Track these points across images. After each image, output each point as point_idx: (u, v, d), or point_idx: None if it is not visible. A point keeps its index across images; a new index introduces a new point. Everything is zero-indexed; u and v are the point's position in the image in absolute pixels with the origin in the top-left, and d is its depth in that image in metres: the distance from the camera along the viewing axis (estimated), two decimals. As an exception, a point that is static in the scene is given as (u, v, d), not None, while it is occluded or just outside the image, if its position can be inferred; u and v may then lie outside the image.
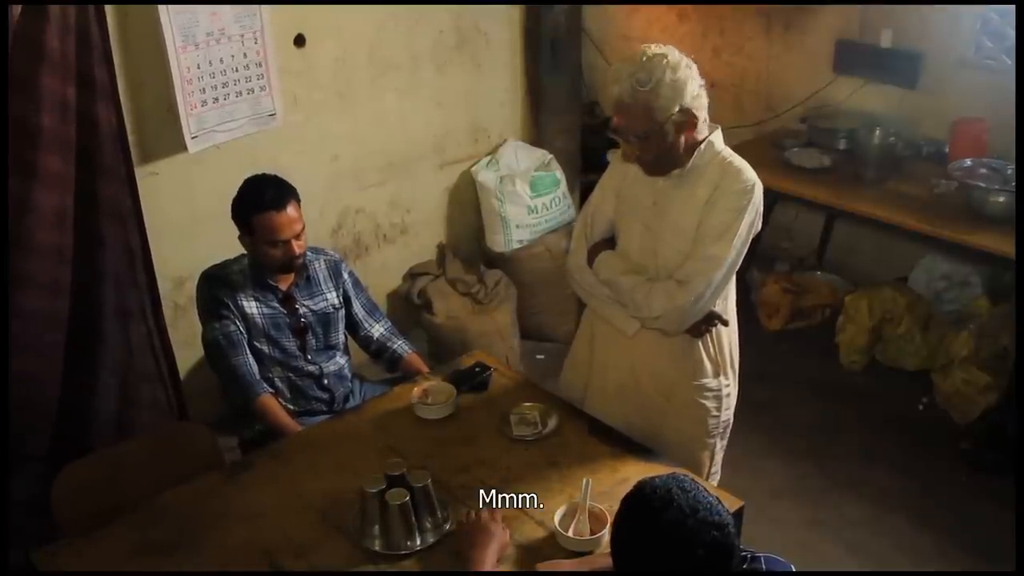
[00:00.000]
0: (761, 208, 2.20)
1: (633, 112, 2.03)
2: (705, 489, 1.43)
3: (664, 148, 2.08)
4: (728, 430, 2.50)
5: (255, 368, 2.54)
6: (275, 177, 2.58)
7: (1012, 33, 3.33)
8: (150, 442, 2.44)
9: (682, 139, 2.08)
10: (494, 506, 2.02)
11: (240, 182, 3.27)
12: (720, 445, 2.50)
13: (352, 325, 2.76)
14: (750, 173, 2.15)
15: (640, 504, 1.42)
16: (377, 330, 2.77)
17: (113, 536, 2.01)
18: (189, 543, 1.98)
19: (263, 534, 2.00)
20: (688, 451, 2.38)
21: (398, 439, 2.31)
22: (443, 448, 2.26)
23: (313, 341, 2.64)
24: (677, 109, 2.01)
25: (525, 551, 1.93)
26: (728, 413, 2.47)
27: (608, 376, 2.42)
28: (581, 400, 2.48)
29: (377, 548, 1.93)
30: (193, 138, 3.19)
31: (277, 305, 2.58)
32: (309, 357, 2.63)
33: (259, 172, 2.62)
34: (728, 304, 2.36)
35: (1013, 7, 3.26)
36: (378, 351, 2.78)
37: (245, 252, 2.60)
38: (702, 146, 2.12)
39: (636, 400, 2.38)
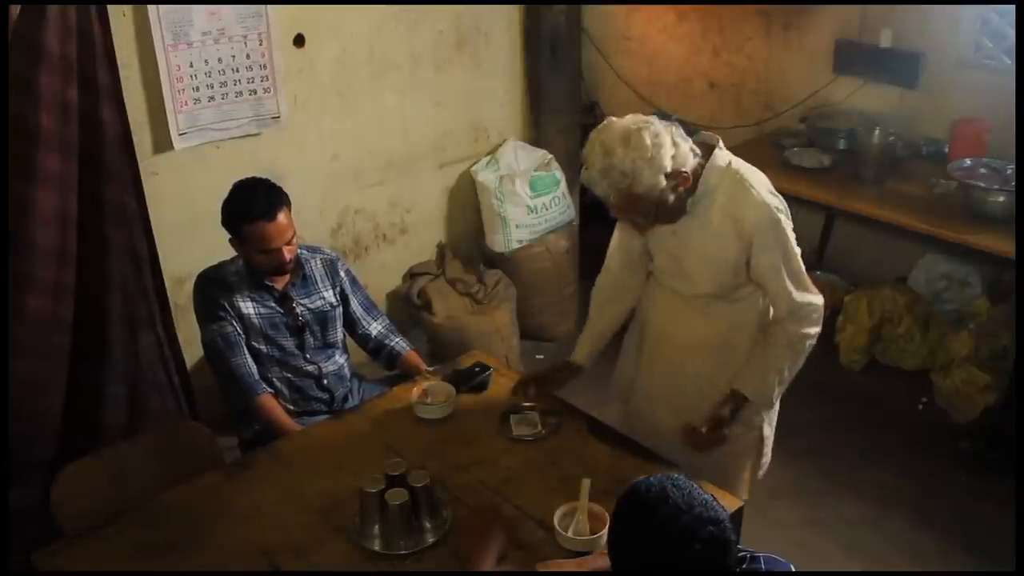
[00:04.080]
0: (785, 209, 2.21)
1: (627, 204, 2.06)
2: (700, 487, 1.44)
3: (670, 209, 2.12)
4: (775, 411, 2.50)
5: (254, 368, 2.54)
6: (265, 182, 2.55)
7: (1012, 33, 3.33)
8: (150, 442, 2.43)
9: (681, 190, 2.09)
10: (494, 506, 2.02)
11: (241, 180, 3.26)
12: (769, 425, 2.49)
13: (350, 323, 2.76)
14: (760, 190, 2.14)
15: (635, 503, 1.42)
16: (375, 328, 2.77)
17: (113, 536, 2.01)
18: (189, 543, 1.99)
19: (263, 534, 2.00)
20: (742, 433, 2.36)
21: (398, 439, 2.31)
22: (443, 448, 2.27)
23: (311, 340, 2.64)
24: (664, 180, 2.01)
25: (525, 551, 1.93)
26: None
27: (654, 368, 2.45)
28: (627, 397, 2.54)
29: (377, 548, 1.93)
30: (181, 135, 3.20)
31: (274, 305, 2.58)
32: (308, 356, 2.63)
33: (252, 175, 2.59)
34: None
35: (1013, 7, 3.26)
36: (376, 349, 2.78)
37: (239, 255, 2.59)
38: (704, 173, 2.12)
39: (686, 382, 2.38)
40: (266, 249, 2.47)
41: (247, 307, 2.55)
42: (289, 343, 2.60)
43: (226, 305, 2.53)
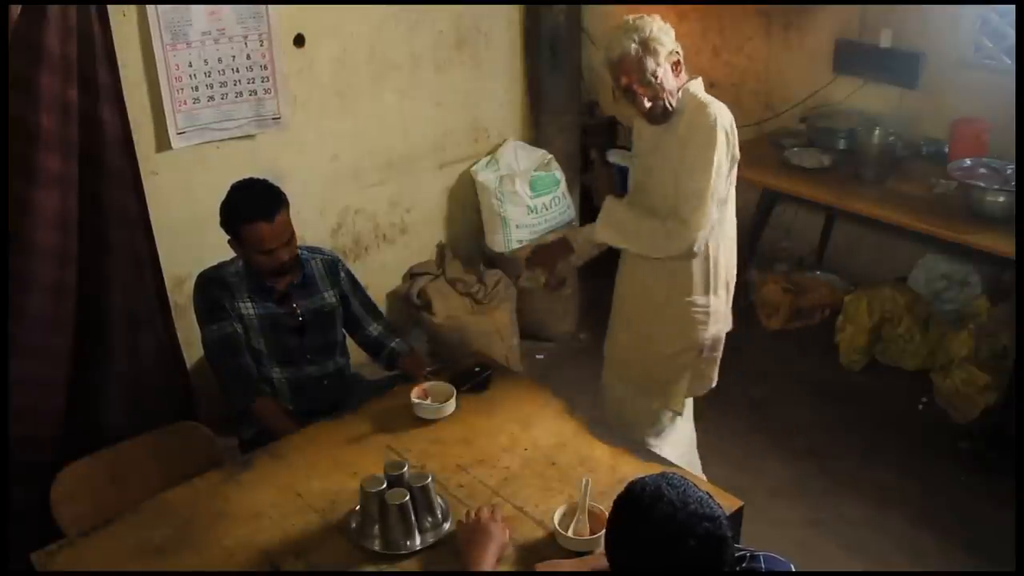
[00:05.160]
0: (732, 136, 2.41)
1: (637, 62, 2.33)
2: (695, 485, 1.44)
3: (666, 91, 2.38)
4: (718, 345, 2.68)
5: (254, 369, 2.54)
6: (263, 183, 2.55)
7: (1012, 33, 3.33)
8: (150, 442, 2.43)
9: (675, 81, 2.40)
10: (493, 506, 2.02)
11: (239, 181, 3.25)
12: (709, 357, 2.67)
13: (350, 324, 2.76)
14: (715, 107, 2.39)
15: (630, 501, 1.42)
16: (375, 329, 2.77)
17: (113, 536, 2.01)
18: (189, 543, 1.99)
19: (263, 534, 2.00)
20: (676, 363, 2.62)
21: (398, 439, 2.31)
22: (443, 448, 2.27)
23: (311, 340, 2.64)
24: (671, 49, 2.37)
25: (524, 551, 1.93)
26: (717, 328, 2.64)
27: (615, 305, 2.75)
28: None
29: (377, 548, 1.93)
30: (179, 134, 3.20)
31: (274, 305, 2.58)
32: (308, 357, 2.63)
33: (251, 175, 2.60)
34: (723, 229, 2.58)
35: (1013, 7, 3.26)
36: (376, 349, 2.78)
37: (239, 256, 2.60)
38: (679, 92, 2.42)
39: (630, 317, 2.68)
40: (265, 250, 2.47)
41: (247, 307, 2.55)
42: (290, 343, 2.60)
43: (226, 305, 2.52)
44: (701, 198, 2.36)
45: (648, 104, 2.39)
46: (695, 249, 2.42)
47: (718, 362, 2.71)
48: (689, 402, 2.78)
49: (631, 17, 2.38)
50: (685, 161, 2.39)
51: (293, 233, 2.53)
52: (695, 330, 2.59)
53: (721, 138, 2.36)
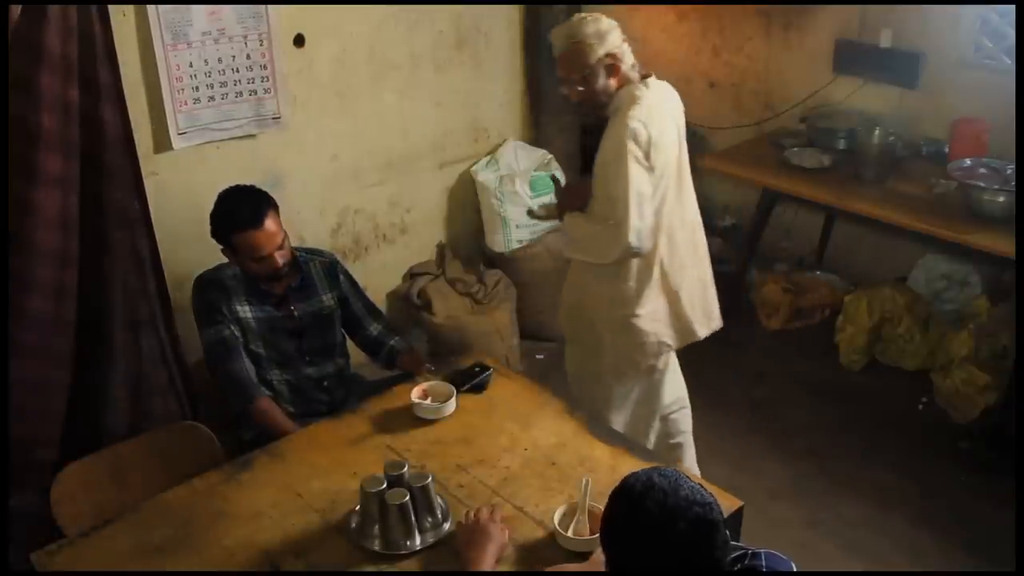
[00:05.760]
0: (653, 142, 2.42)
1: (570, 58, 2.44)
2: (688, 478, 1.46)
3: (598, 90, 2.46)
4: (664, 356, 2.76)
5: (252, 372, 2.54)
6: (250, 188, 2.55)
7: (1012, 33, 3.33)
8: (150, 442, 2.43)
9: (612, 82, 2.46)
10: (493, 506, 2.02)
11: (239, 181, 3.25)
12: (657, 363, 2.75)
13: (350, 325, 2.76)
14: (635, 113, 2.40)
15: (623, 493, 1.44)
16: (375, 329, 2.77)
17: (113, 536, 2.01)
18: (189, 543, 1.99)
19: (263, 534, 2.00)
20: (622, 385, 2.73)
21: (398, 439, 2.31)
22: (443, 448, 2.27)
23: (310, 343, 2.64)
24: (603, 53, 2.42)
25: (524, 551, 1.93)
26: (669, 334, 2.70)
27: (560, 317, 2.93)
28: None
29: (377, 548, 1.93)
30: (180, 134, 3.20)
31: (272, 308, 2.58)
32: (307, 359, 2.63)
33: (247, 177, 2.60)
34: (672, 231, 2.61)
35: (1013, 7, 3.26)
36: (375, 349, 2.78)
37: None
38: (620, 91, 2.46)
39: (575, 328, 2.82)
40: (258, 257, 2.47)
41: (245, 310, 2.55)
42: (288, 346, 2.60)
43: (223, 309, 2.52)
44: (625, 202, 2.41)
45: (576, 100, 2.49)
46: (635, 249, 2.46)
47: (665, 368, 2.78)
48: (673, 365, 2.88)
49: (582, 15, 2.47)
50: (604, 166, 2.48)
51: (286, 236, 2.52)
52: (637, 338, 2.63)
53: (631, 146, 2.39)
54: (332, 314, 2.67)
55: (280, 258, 2.50)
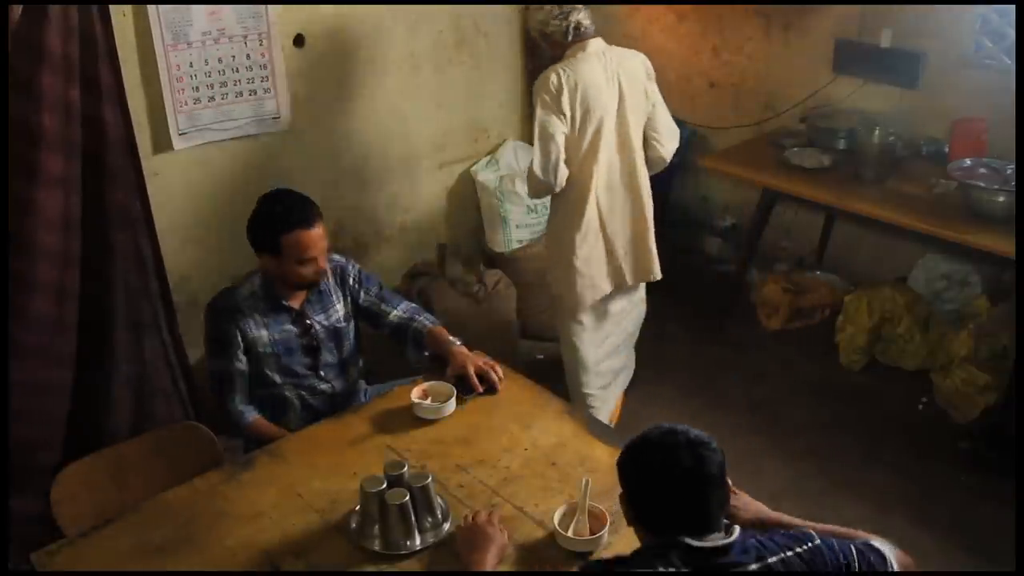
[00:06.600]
0: (553, 85, 2.87)
1: (538, 38, 3.08)
2: None
3: (549, 55, 3.08)
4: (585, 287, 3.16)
5: (246, 402, 2.53)
6: (298, 193, 2.50)
7: (1012, 33, 3.33)
8: (150, 442, 2.44)
9: (551, 50, 3.04)
10: (491, 508, 2.02)
11: (239, 182, 3.27)
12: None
13: (371, 320, 2.68)
14: (555, 70, 2.90)
15: (631, 443, 1.60)
16: (396, 313, 2.66)
17: (113, 536, 2.01)
18: (189, 543, 1.99)
19: (263, 534, 2.00)
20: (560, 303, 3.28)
21: (398, 439, 2.31)
22: (443, 448, 2.27)
23: (325, 358, 2.60)
24: (542, 30, 2.99)
25: (524, 551, 1.93)
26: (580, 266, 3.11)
27: None
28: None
29: (377, 548, 1.94)
30: (181, 135, 3.20)
31: (290, 326, 2.54)
32: (321, 374, 2.61)
33: (257, 177, 2.59)
34: (595, 180, 3.01)
35: (1013, 7, 3.26)
36: (400, 334, 2.66)
37: (255, 272, 2.52)
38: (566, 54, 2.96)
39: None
40: (306, 258, 2.43)
41: (261, 333, 2.50)
42: (303, 365, 2.57)
43: (237, 338, 2.47)
44: (536, 143, 2.90)
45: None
46: (541, 180, 2.91)
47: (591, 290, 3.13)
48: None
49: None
50: None
51: (327, 243, 2.50)
52: (573, 278, 3.08)
53: (541, 94, 2.88)
54: (347, 327, 2.63)
55: (324, 262, 2.47)
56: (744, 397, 3.68)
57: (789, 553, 1.50)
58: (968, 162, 3.29)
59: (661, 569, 1.45)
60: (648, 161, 3.11)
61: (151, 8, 3.01)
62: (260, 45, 3.30)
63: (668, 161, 3.16)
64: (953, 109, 3.51)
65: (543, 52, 4.34)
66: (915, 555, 1.64)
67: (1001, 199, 3.08)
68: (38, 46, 2.49)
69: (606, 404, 3.36)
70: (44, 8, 2.48)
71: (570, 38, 2.93)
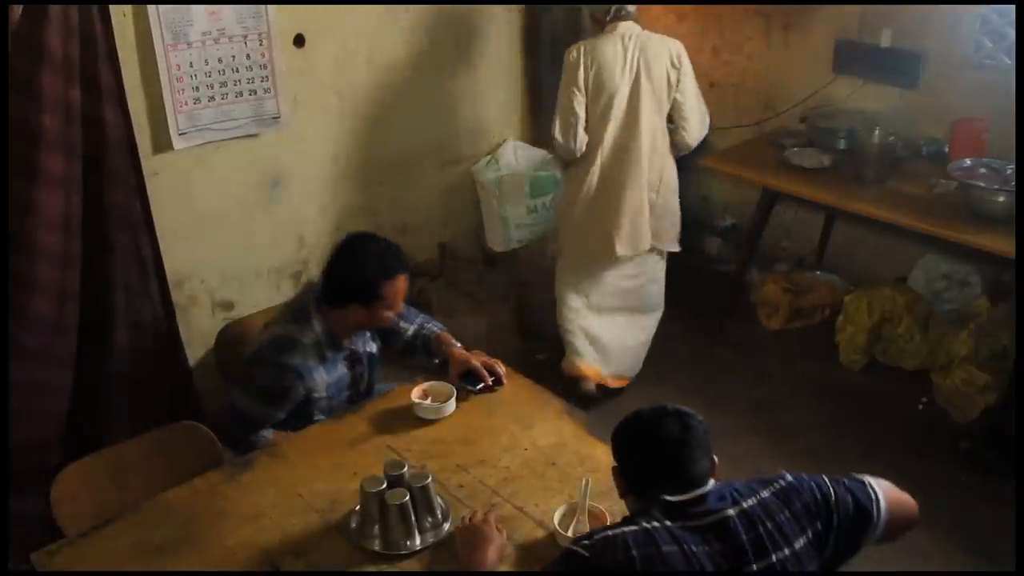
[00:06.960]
0: (572, 60, 3.21)
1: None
2: None
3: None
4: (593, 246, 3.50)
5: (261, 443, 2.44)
6: (376, 237, 2.46)
7: (1012, 33, 3.33)
8: (150, 442, 2.43)
9: (593, 29, 3.35)
10: (488, 509, 2.02)
11: (240, 182, 3.25)
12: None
13: (385, 338, 2.63)
14: (579, 43, 3.23)
15: (628, 415, 1.75)
16: (411, 328, 2.62)
17: (113, 536, 2.01)
18: (189, 543, 1.99)
19: (263, 534, 2.00)
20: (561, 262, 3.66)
21: (398, 439, 2.31)
22: (443, 448, 2.27)
23: (361, 386, 2.59)
24: (590, 13, 3.37)
25: (524, 551, 1.93)
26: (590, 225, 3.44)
27: None
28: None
29: (377, 548, 1.94)
30: (181, 135, 3.21)
31: (344, 367, 2.50)
32: (353, 400, 2.58)
33: (358, 230, 2.51)
34: (609, 148, 3.31)
35: (1013, 7, 3.26)
36: (411, 345, 2.63)
37: (300, 312, 2.42)
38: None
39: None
40: (397, 303, 2.40)
41: (321, 379, 2.43)
42: (345, 399, 2.54)
43: (298, 397, 2.39)
44: (557, 111, 3.26)
45: None
46: (560, 143, 3.26)
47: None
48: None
49: None
50: None
51: None
52: (569, 231, 3.43)
53: (568, 68, 3.20)
54: (377, 353, 2.61)
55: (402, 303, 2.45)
56: (744, 397, 3.68)
57: (765, 494, 1.64)
58: (968, 162, 3.29)
59: (644, 524, 1.57)
60: (673, 144, 3.38)
61: (151, 8, 3.01)
62: (260, 45, 3.30)
63: (692, 147, 3.41)
64: (953, 109, 3.51)
65: (543, 52, 4.43)
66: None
67: (1001, 199, 3.08)
68: (38, 46, 2.50)
69: (582, 357, 3.59)
70: (44, 8, 2.48)
71: (609, 18, 3.24)
